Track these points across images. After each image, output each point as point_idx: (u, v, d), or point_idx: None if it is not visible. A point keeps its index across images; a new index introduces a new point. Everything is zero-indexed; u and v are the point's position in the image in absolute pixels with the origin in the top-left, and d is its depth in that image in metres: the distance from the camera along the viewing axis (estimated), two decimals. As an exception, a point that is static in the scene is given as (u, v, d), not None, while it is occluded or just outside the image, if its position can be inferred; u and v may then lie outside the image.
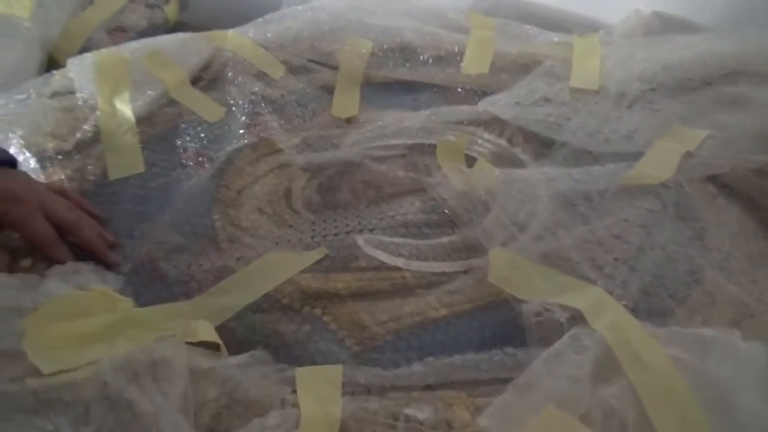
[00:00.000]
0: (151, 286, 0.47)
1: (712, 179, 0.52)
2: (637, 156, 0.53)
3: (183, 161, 0.59)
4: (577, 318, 0.39)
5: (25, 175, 0.51)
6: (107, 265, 0.48)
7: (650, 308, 0.42)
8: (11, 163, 0.49)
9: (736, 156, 0.51)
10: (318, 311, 0.47)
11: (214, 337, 0.40)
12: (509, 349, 0.40)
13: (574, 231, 0.46)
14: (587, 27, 0.73)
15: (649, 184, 0.48)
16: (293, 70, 0.69)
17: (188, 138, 0.61)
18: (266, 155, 0.60)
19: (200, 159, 0.59)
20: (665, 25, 0.67)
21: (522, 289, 0.44)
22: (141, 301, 0.44)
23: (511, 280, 0.45)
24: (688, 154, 0.51)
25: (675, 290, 0.43)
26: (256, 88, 0.66)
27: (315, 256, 0.49)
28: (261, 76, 0.68)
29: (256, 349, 0.43)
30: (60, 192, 0.51)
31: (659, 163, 0.50)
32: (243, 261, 0.49)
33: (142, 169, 0.56)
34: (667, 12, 0.70)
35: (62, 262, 0.46)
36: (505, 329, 0.43)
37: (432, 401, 0.37)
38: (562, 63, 0.68)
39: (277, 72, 0.67)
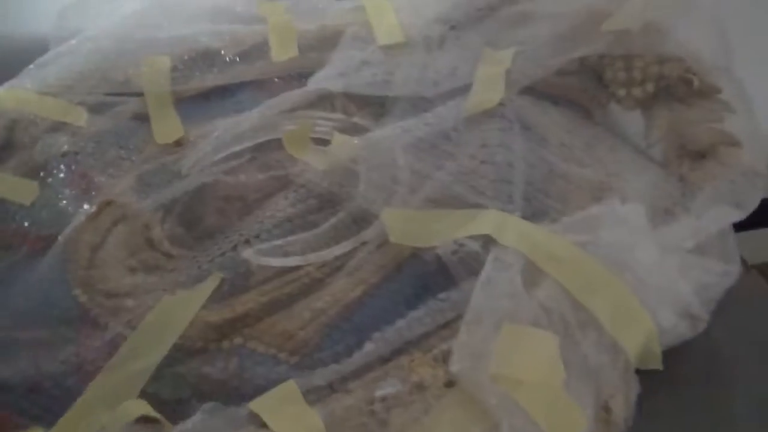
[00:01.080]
0: (45, 397, 0.40)
1: (530, 90, 0.58)
2: (467, 88, 0.56)
3: (3, 249, 0.50)
4: (488, 242, 0.42)
5: None
6: None
7: (534, 212, 0.46)
8: None
9: (544, 63, 0.58)
10: (239, 340, 0.44)
11: (148, 410, 0.36)
12: (441, 295, 0.41)
13: (446, 169, 0.48)
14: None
15: (489, 108, 0.52)
16: (93, 110, 0.62)
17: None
18: (102, 210, 0.53)
19: (26, 243, 0.51)
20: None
21: (425, 238, 0.45)
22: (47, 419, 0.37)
23: (410, 233, 0.46)
24: (507, 72, 0.56)
25: (545, 189, 0.48)
26: (65, 146, 0.58)
27: (210, 284, 0.45)
28: (59, 127, 0.60)
29: (190, 404, 0.39)
30: None
31: (488, 87, 0.55)
32: (133, 323, 0.44)
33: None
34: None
35: None
36: (425, 281, 0.45)
37: (395, 373, 0.37)
38: (364, 27, 0.69)
39: (80, 118, 0.60)
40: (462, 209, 0.46)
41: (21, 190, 0.54)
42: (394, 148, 0.50)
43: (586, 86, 0.61)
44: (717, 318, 0.44)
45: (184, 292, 0.44)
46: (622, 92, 0.59)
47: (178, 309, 0.43)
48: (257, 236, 0.49)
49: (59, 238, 0.50)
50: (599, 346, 0.37)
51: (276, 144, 0.59)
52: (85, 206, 0.53)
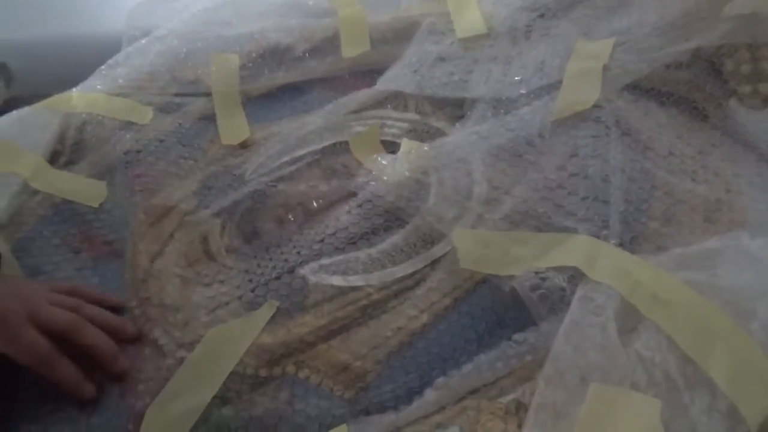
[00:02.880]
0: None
1: (633, 87, 0.50)
2: (555, 86, 0.49)
3: (68, 256, 0.49)
4: (576, 276, 0.35)
5: (9, 280, 0.42)
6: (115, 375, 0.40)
7: (634, 238, 0.39)
8: None
9: (649, 56, 0.49)
10: (291, 368, 0.40)
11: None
12: (518, 336, 0.35)
13: (529, 183, 0.42)
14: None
15: (582, 110, 0.45)
16: (161, 110, 0.61)
17: (68, 223, 0.51)
18: (164, 215, 0.52)
19: (92, 248, 0.50)
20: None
21: (501, 265, 0.39)
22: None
23: (485, 258, 0.40)
24: (606, 68, 0.49)
25: (648, 209, 0.40)
26: (128, 144, 0.57)
27: (265, 314, 0.41)
28: (127, 127, 0.59)
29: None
30: (67, 291, 0.42)
31: (582, 85, 0.47)
32: (183, 342, 0.41)
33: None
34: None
35: (68, 383, 0.38)
36: (500, 315, 0.39)
37: (457, 418, 0.32)
38: (442, 18, 0.64)
39: (145, 116, 0.59)
40: (546, 233, 0.39)
41: (89, 192, 0.53)
42: (470, 158, 0.45)
43: (700, 82, 0.51)
44: None
45: (235, 322, 0.41)
46: (746, 89, 0.50)
47: (230, 341, 0.39)
48: (317, 254, 0.45)
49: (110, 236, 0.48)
50: (712, 412, 0.30)
51: (342, 147, 0.55)
52: (145, 210, 0.51)
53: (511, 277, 0.38)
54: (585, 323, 0.32)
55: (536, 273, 0.36)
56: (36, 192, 0.52)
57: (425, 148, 0.47)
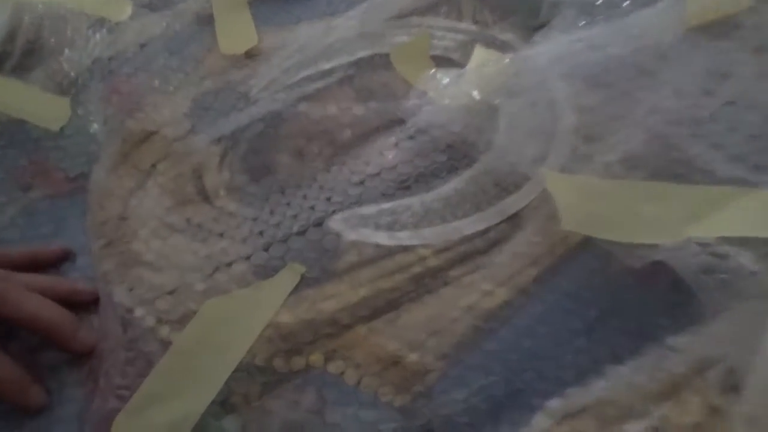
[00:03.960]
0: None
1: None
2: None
3: (15, 194, 0.37)
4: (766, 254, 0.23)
5: None
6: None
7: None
8: None
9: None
10: (318, 360, 0.28)
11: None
12: (676, 341, 0.24)
13: (663, 111, 0.29)
14: None
15: (732, 14, 0.32)
16: (145, 5, 0.47)
17: (16, 150, 0.39)
18: (143, 140, 0.39)
19: (48, 183, 0.37)
20: None
21: (625, 227, 0.27)
22: None
23: (597, 216, 0.28)
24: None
25: None
26: (99, 49, 0.43)
27: (286, 283, 0.29)
28: (98, 25, 0.45)
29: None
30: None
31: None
32: (165, 320, 0.29)
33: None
34: None
35: (8, 389, 0.27)
36: (615, 292, 0.27)
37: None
38: None
39: (123, 12, 0.45)
40: (701, 185, 0.27)
41: (48, 111, 0.41)
42: (571, 73, 0.32)
43: None
44: None
45: (243, 291, 0.29)
46: None
47: (234, 321, 0.27)
48: (354, 201, 0.33)
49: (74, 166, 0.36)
50: None
51: (381, 62, 0.42)
52: (120, 135, 0.38)
53: (646, 246, 0.26)
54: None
55: (702, 245, 0.24)
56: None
57: (506, 61, 0.34)
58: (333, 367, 0.28)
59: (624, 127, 0.30)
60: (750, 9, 0.33)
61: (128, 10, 0.46)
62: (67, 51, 0.43)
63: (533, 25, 0.43)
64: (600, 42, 0.33)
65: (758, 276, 0.23)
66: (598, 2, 0.39)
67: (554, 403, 0.24)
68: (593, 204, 0.29)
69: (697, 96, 0.30)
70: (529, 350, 0.27)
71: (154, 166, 0.37)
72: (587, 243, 0.30)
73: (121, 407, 0.26)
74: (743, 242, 0.24)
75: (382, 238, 0.32)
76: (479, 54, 0.36)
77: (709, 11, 0.33)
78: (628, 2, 0.38)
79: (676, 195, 0.27)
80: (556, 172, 0.31)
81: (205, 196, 0.36)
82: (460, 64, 0.40)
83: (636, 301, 0.26)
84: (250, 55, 0.44)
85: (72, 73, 0.43)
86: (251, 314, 0.28)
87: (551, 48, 0.34)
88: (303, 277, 0.30)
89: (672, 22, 0.33)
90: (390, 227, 0.32)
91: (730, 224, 0.24)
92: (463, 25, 0.44)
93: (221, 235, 0.33)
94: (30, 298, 0.28)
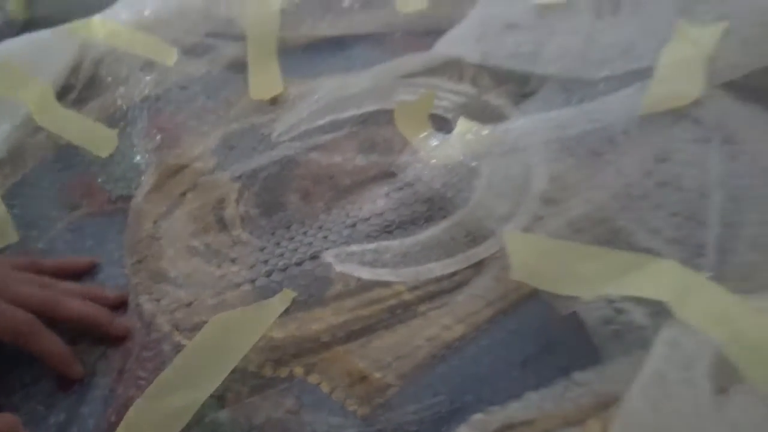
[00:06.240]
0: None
1: (739, 85, 0.42)
2: (646, 74, 0.42)
3: (63, 211, 0.44)
4: (660, 312, 0.29)
5: None
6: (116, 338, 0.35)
7: (735, 272, 0.31)
8: None
9: (762, 51, 0.41)
10: (299, 370, 0.34)
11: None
12: (580, 376, 0.29)
13: (605, 187, 0.35)
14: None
15: (678, 107, 0.38)
16: (189, 51, 0.55)
17: (70, 172, 0.46)
18: (177, 172, 0.46)
19: (88, 199, 0.45)
20: None
21: (562, 282, 0.33)
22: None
23: (540, 271, 0.34)
24: (709, 59, 0.41)
25: (753, 236, 0.33)
26: (147, 87, 0.51)
27: (279, 305, 0.36)
28: (149, 68, 0.53)
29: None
30: (27, 266, 0.38)
31: (680, 76, 0.40)
32: (180, 325, 0.36)
33: (15, 238, 0.41)
34: None
35: (56, 359, 0.34)
36: (549, 338, 0.33)
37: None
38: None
39: (170, 57, 0.52)
40: (623, 251, 0.32)
41: (99, 139, 0.48)
42: (532, 147, 0.37)
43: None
44: None
45: (245, 310, 0.35)
46: None
47: (236, 332, 0.34)
48: (345, 239, 0.39)
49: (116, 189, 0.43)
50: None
51: (386, 117, 0.48)
52: (158, 167, 0.45)
53: (572, 298, 0.32)
54: (671, 378, 0.25)
55: (609, 301, 0.30)
56: (39, 129, 0.47)
57: (484, 131, 0.40)
58: (312, 378, 0.34)
59: (574, 197, 0.36)
60: (695, 102, 0.38)
61: (175, 56, 0.53)
62: (121, 88, 0.51)
63: (522, 93, 0.49)
64: (565, 123, 0.38)
65: (645, 330, 0.28)
66: (580, 80, 0.45)
67: (477, 417, 0.29)
68: (541, 260, 0.34)
69: (636, 176, 0.35)
70: (472, 376, 0.33)
71: (183, 194, 0.44)
72: (534, 292, 0.35)
73: (140, 395, 0.32)
74: (641, 301, 0.29)
75: (365, 273, 0.38)
76: (462, 124, 0.42)
77: (662, 101, 0.39)
78: (602, 84, 0.44)
79: (603, 258, 0.32)
80: (514, 231, 0.37)
81: (224, 226, 0.42)
82: (452, 125, 0.46)
83: (560, 341, 0.32)
84: (274, 101, 0.51)
85: (123, 107, 0.50)
86: (249, 328, 0.34)
87: (525, 123, 0.40)
88: (296, 301, 0.37)
89: (628, 109, 0.39)
90: (373, 264, 0.38)
91: (635, 286, 0.30)
92: (464, 87, 0.51)
93: (233, 260, 0.40)
94: (74, 301, 0.35)
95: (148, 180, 0.45)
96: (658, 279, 0.29)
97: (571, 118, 0.38)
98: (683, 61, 0.40)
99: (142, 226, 0.42)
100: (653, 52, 0.43)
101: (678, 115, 0.38)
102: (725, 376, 0.26)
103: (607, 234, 0.34)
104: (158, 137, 0.47)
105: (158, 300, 0.38)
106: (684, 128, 0.37)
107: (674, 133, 0.37)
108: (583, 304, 0.31)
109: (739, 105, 0.40)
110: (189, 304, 0.37)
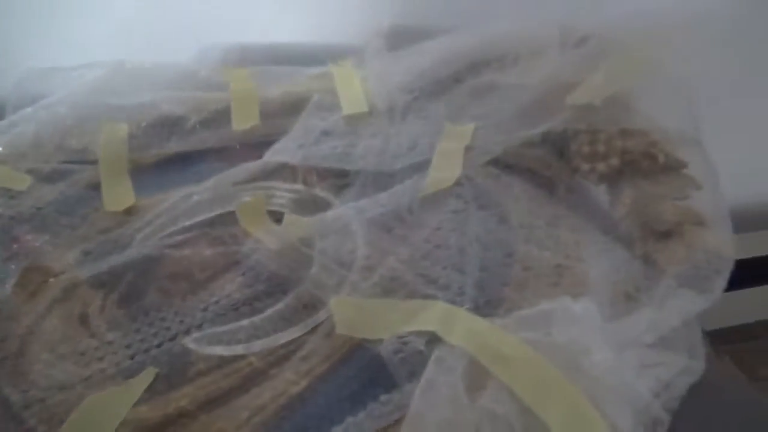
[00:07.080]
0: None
1: (494, 162, 0.57)
2: (427, 164, 0.55)
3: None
4: (434, 340, 0.39)
5: None
6: None
7: (488, 301, 0.44)
8: None
9: (506, 138, 0.57)
10: (170, 441, 0.41)
11: None
12: (383, 397, 0.39)
13: (399, 254, 0.46)
14: (338, 54, 0.75)
15: (446, 187, 0.51)
16: (47, 178, 0.60)
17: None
18: (41, 285, 0.51)
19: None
20: (408, 36, 0.71)
21: (372, 329, 0.43)
22: None
23: (358, 324, 0.44)
24: (468, 149, 0.55)
25: (501, 275, 0.46)
26: (1, 209, 0.56)
27: (143, 381, 0.42)
28: (2, 194, 0.57)
29: None
30: None
31: (447, 164, 0.53)
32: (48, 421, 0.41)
33: None
34: (405, 23, 0.76)
35: None
36: (371, 374, 0.42)
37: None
38: (328, 94, 0.69)
39: (22, 183, 0.58)
40: (412, 300, 0.43)
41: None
42: (350, 230, 0.48)
43: (549, 160, 0.59)
44: (683, 415, 0.41)
45: (112, 390, 0.41)
46: (586, 166, 0.58)
47: (105, 409, 0.39)
48: (199, 325, 0.46)
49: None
50: (548, 455, 0.35)
51: (230, 218, 0.57)
52: (21, 278, 0.50)
53: (380, 340, 0.42)
54: (438, 382, 0.36)
55: (399, 337, 0.40)
56: None
57: (305, 221, 0.51)
58: (181, 446, 0.40)
59: (380, 264, 0.47)
60: (456, 182, 0.52)
61: (27, 182, 0.58)
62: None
63: (342, 184, 0.60)
64: (365, 208, 0.50)
65: (423, 354, 0.39)
66: (382, 172, 0.58)
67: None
68: (357, 316, 0.44)
69: (419, 243, 0.47)
70: (312, 415, 0.41)
71: (49, 309, 0.49)
72: (361, 342, 0.45)
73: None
74: (420, 333, 0.40)
75: (221, 350, 0.45)
76: (288, 218, 0.53)
77: (435, 184, 0.52)
78: (398, 174, 0.57)
79: (399, 307, 0.43)
80: (342, 297, 0.47)
81: (91, 334, 0.48)
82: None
83: (374, 374, 0.42)
84: (129, 212, 0.58)
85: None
86: (116, 406, 0.40)
87: (338, 212, 0.51)
88: (160, 381, 0.43)
89: (412, 193, 0.51)
90: (227, 342, 0.46)
91: (417, 323, 0.41)
92: (295, 186, 0.61)
93: (101, 359, 0.45)
94: None
95: (14, 293, 0.49)
96: (433, 315, 0.41)
97: (370, 204, 0.50)
98: (448, 152, 0.54)
99: (11, 343, 0.46)
100: (431, 147, 0.57)
101: (446, 193, 0.51)
102: (482, 377, 0.37)
103: (403, 289, 0.45)
104: (16, 249, 0.52)
105: (26, 392, 0.42)
106: (449, 203, 0.50)
107: (443, 207, 0.50)
108: (383, 345, 0.41)
109: (493, 179, 0.54)
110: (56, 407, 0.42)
